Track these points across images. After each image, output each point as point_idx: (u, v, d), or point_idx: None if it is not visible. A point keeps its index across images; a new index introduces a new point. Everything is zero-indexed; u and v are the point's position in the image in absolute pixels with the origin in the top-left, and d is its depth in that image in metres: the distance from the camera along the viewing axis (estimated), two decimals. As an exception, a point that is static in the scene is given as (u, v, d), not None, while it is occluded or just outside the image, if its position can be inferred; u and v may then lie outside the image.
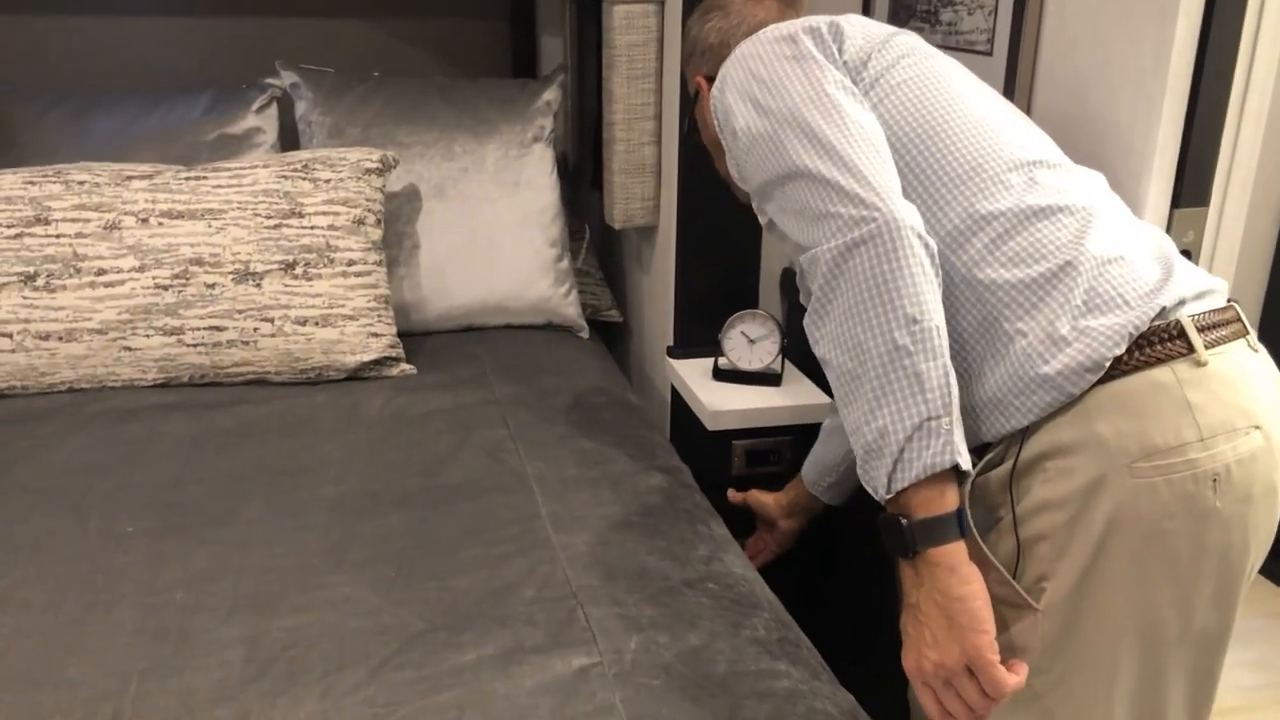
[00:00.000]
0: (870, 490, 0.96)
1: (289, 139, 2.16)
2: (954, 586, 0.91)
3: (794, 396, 1.91)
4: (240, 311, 1.80)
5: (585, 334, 2.24)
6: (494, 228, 2.13)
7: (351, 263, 1.88)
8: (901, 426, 0.91)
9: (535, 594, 1.22)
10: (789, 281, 2.11)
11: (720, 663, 1.11)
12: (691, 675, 1.08)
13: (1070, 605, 0.96)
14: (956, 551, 0.91)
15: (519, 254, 2.15)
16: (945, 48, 1.54)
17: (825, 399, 1.90)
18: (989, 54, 1.44)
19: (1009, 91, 1.40)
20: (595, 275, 2.44)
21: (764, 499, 1.64)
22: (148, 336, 1.77)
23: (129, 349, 1.77)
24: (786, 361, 2.01)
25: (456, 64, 2.45)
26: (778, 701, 1.05)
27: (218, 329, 1.79)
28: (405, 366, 1.92)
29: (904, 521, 0.92)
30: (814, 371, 1.99)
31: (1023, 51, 1.37)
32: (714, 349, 2.02)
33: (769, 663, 1.11)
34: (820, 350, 0.98)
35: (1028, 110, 1.39)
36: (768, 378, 1.96)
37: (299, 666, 1.09)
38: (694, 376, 1.99)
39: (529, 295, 2.16)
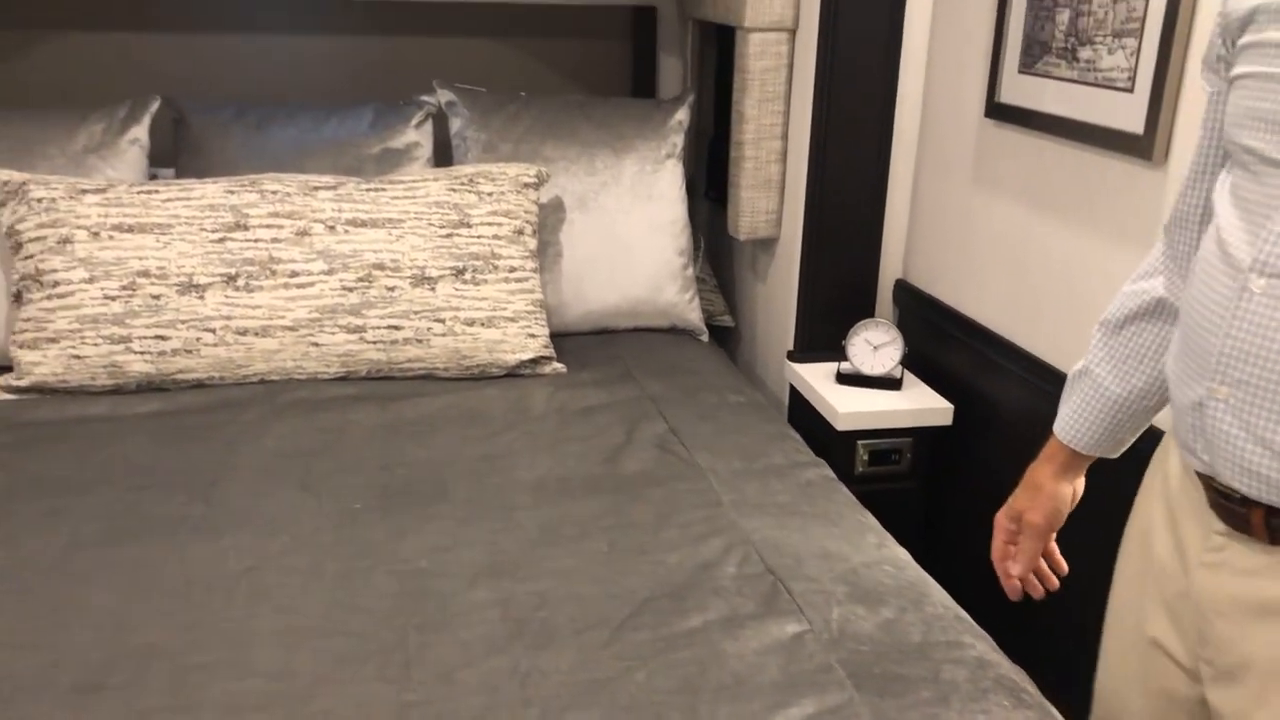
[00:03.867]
0: None
1: (441, 152, 2.33)
2: None
3: (915, 400, 2.06)
4: (416, 312, 1.97)
5: (705, 337, 2.40)
6: (629, 237, 2.30)
7: (512, 269, 2.05)
8: None
9: (737, 570, 1.38)
10: (901, 291, 2.27)
11: (914, 633, 1.27)
12: (892, 642, 1.24)
13: None
14: None
15: (650, 262, 2.31)
16: (1081, 83, 1.69)
17: (944, 403, 2.06)
18: (1130, 91, 1.58)
19: (1150, 129, 1.54)
20: (710, 282, 2.60)
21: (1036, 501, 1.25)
22: (333, 334, 1.95)
23: (316, 345, 1.95)
24: (904, 368, 2.16)
25: (583, 80, 2.62)
26: (971, 667, 1.21)
27: (395, 328, 1.96)
28: (556, 365, 2.09)
29: None
30: (931, 378, 2.15)
31: (1166, 90, 1.51)
32: (834, 354, 2.18)
33: (955, 635, 1.27)
34: None
35: (1165, 152, 1.53)
36: (889, 382, 2.11)
37: (551, 626, 1.25)
38: (817, 379, 2.15)
39: (658, 300, 2.32)
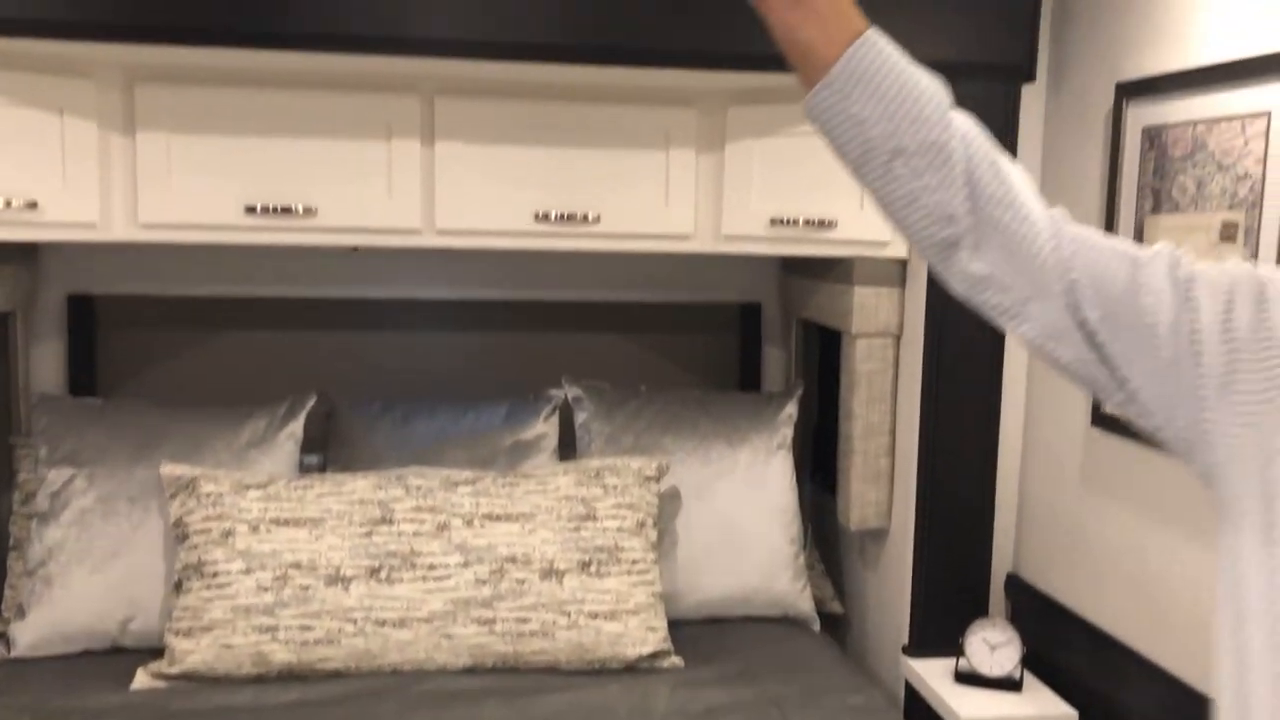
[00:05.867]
0: None
1: (565, 440, 2.48)
2: None
3: (1037, 705, 2.04)
4: (543, 605, 2.05)
5: (817, 627, 2.42)
6: (742, 526, 2.38)
7: (635, 561, 2.13)
8: None
9: None
10: (1013, 586, 2.29)
11: None
12: None
13: None
14: None
15: (763, 550, 2.38)
16: None
17: (1068, 709, 2.03)
18: None
19: None
20: (817, 569, 2.64)
21: None
22: (465, 626, 2.03)
23: (448, 637, 2.02)
24: (1023, 668, 2.14)
25: (693, 371, 2.79)
26: None
27: (523, 620, 2.04)
28: (674, 659, 2.13)
29: None
30: (1050, 677, 2.12)
31: None
32: (949, 648, 2.18)
33: None
34: None
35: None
36: (1009, 683, 2.09)
37: None
38: (935, 678, 2.14)
39: (772, 589, 2.37)
